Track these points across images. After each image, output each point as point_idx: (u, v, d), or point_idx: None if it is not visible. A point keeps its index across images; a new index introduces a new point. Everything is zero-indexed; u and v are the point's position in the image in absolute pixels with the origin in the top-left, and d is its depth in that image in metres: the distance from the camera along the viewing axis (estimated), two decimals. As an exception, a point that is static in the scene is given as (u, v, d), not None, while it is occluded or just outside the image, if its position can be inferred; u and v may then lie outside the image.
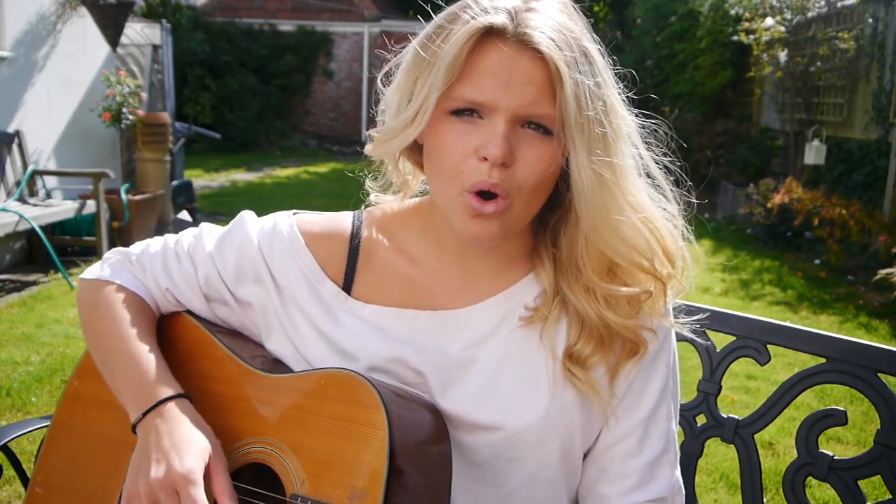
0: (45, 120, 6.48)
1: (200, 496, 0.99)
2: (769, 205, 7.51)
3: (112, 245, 6.28)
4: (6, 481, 2.85)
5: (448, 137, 1.01)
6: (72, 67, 6.79)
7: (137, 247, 1.26)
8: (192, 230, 1.25)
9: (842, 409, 1.38)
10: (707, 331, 1.50)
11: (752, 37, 9.10)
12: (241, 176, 12.23)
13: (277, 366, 1.15)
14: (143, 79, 7.65)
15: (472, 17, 0.98)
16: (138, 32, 7.68)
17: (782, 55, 8.71)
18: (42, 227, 5.58)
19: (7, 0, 6.05)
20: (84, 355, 1.25)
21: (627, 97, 1.08)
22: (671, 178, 1.10)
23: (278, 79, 15.65)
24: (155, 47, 7.88)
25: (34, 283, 5.66)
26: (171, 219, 7.58)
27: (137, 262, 1.23)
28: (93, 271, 1.24)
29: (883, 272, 5.52)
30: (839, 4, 8.20)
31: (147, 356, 1.13)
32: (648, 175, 1.08)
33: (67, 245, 6.31)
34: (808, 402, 3.86)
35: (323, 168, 13.45)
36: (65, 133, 6.77)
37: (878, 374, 1.34)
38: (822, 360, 1.40)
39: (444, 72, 0.98)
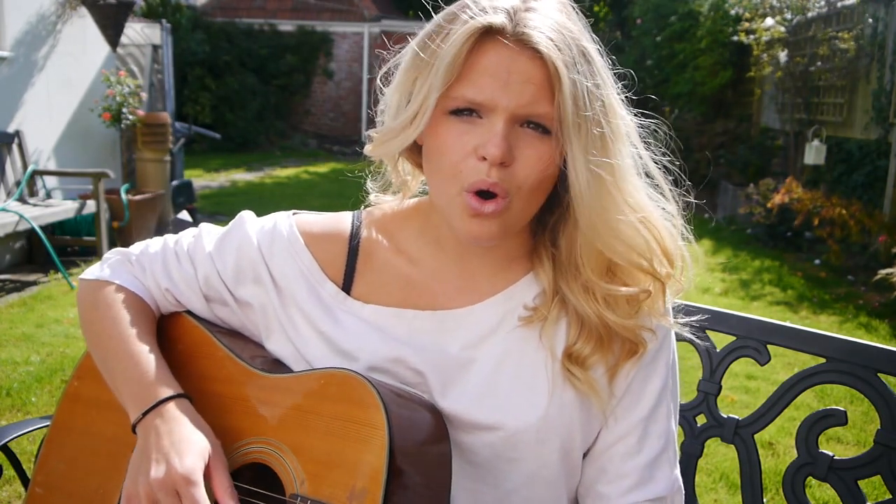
0: (45, 120, 6.48)
1: (202, 495, 0.99)
2: (769, 205, 7.52)
3: (112, 245, 6.28)
4: (6, 481, 2.85)
5: (447, 137, 1.01)
6: (72, 67, 6.80)
7: (137, 247, 1.26)
8: (191, 230, 1.25)
9: (842, 409, 1.38)
10: (707, 331, 1.50)
11: (752, 37, 9.10)
12: (241, 176, 12.23)
13: (277, 366, 1.15)
14: (143, 79, 7.65)
15: (471, 17, 0.98)
16: (138, 32, 7.68)
17: (782, 55, 8.71)
18: (42, 227, 5.58)
19: (7, 0, 6.05)
20: (84, 355, 1.25)
21: (627, 97, 1.08)
22: (670, 178, 1.10)
23: (278, 79, 15.65)
24: (155, 47, 7.88)
25: (34, 283, 5.67)
26: (171, 219, 7.58)
27: (137, 263, 1.23)
28: (92, 272, 1.24)
29: (883, 272, 5.52)
30: (839, 4, 8.20)
31: (147, 356, 1.13)
32: (648, 175, 1.08)
33: (67, 245, 6.31)
34: (808, 402, 3.86)
35: (323, 168, 13.45)
36: (65, 133, 6.77)
37: (878, 374, 1.34)
38: (822, 360, 1.40)
39: (443, 72, 0.98)
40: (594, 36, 1.05)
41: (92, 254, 6.32)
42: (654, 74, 11.92)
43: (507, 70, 0.97)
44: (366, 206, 1.25)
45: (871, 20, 7.61)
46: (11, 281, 5.72)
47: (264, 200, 9.60)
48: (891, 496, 1.31)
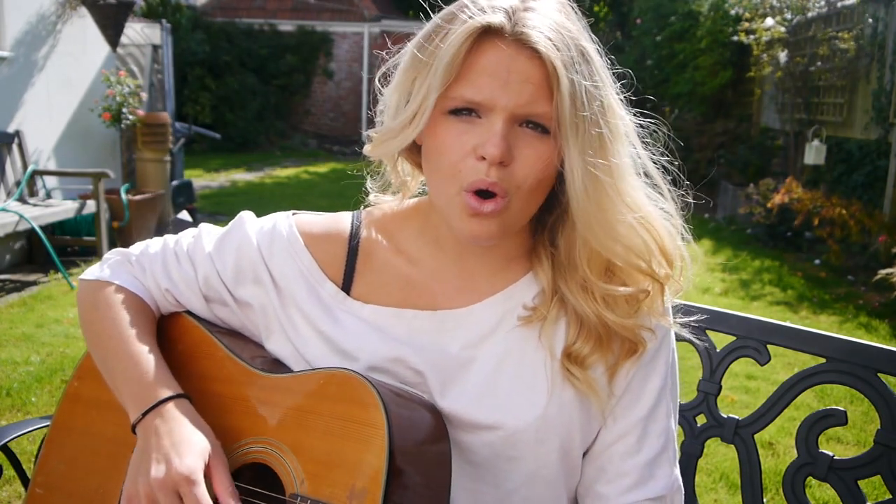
0: (45, 120, 6.48)
1: (204, 494, 0.99)
2: (769, 205, 7.52)
3: (112, 245, 6.28)
4: (6, 481, 2.85)
5: (446, 137, 1.01)
6: (72, 67, 6.80)
7: (137, 247, 1.26)
8: (191, 231, 1.25)
9: (842, 409, 1.38)
10: (707, 331, 1.50)
11: (752, 37, 9.10)
12: (241, 176, 12.23)
13: (277, 366, 1.15)
14: (143, 79, 7.65)
15: (470, 17, 0.98)
16: (138, 32, 7.68)
17: (782, 55, 8.71)
18: (42, 227, 5.58)
19: (7, 0, 6.05)
20: (84, 356, 1.25)
21: (626, 97, 1.08)
22: (669, 178, 1.10)
23: (278, 79, 15.65)
24: (155, 47, 7.88)
25: (34, 283, 5.67)
26: (171, 219, 7.58)
27: (137, 263, 1.23)
28: (92, 272, 1.24)
29: (883, 272, 5.52)
30: (839, 4, 8.20)
31: (147, 356, 1.13)
32: (647, 175, 1.08)
33: (67, 245, 6.31)
34: (808, 402, 3.86)
35: (323, 168, 13.45)
36: (65, 133, 6.77)
37: (878, 374, 1.34)
38: (822, 360, 1.40)
39: (442, 72, 0.98)
40: (593, 36, 1.05)
41: (92, 254, 6.32)
42: (654, 74, 11.92)
43: (506, 70, 0.97)
44: (365, 207, 1.25)
45: (871, 20, 7.61)
46: (11, 281, 5.72)
47: (264, 200, 9.60)
48: (891, 496, 1.31)
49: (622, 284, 1.07)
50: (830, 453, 1.37)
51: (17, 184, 5.99)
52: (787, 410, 1.46)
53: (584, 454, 1.14)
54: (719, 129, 10.73)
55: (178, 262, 1.20)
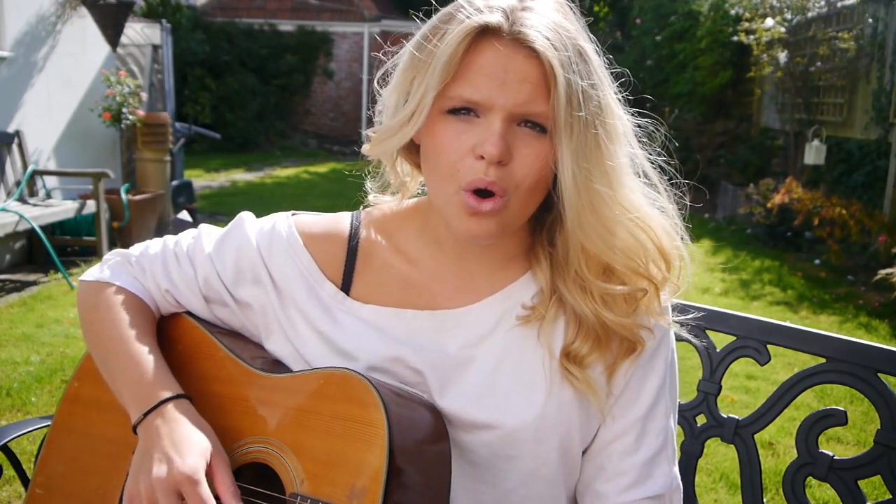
0: (45, 120, 6.48)
1: (206, 494, 0.99)
2: (769, 205, 7.52)
3: (112, 245, 6.28)
4: (6, 481, 2.86)
5: (444, 136, 1.01)
6: (72, 67, 6.80)
7: (137, 248, 1.26)
8: (191, 231, 1.25)
9: (842, 409, 1.38)
10: (707, 331, 1.50)
11: (752, 37, 9.10)
12: (241, 176, 12.23)
13: (277, 366, 1.16)
14: (143, 79, 7.66)
15: (468, 17, 0.98)
16: (138, 32, 7.68)
17: (782, 55, 8.71)
18: (42, 227, 5.58)
19: (7, 0, 6.05)
20: (84, 357, 1.25)
21: (625, 97, 1.07)
22: (666, 178, 1.10)
23: (278, 79, 15.65)
24: (155, 47, 7.88)
25: (34, 283, 5.67)
26: (171, 219, 7.58)
27: (137, 264, 1.23)
28: (92, 273, 1.25)
29: (883, 272, 5.52)
30: (839, 4, 8.20)
31: (147, 357, 1.13)
32: (645, 175, 1.08)
33: (67, 245, 6.31)
34: (808, 402, 3.86)
35: (323, 168, 13.45)
36: (65, 133, 6.77)
37: (878, 374, 1.34)
38: (822, 360, 1.40)
39: (440, 71, 0.98)
40: (592, 35, 1.05)
41: (92, 254, 6.32)
42: (654, 74, 11.92)
43: (504, 69, 0.97)
44: (365, 207, 1.25)
45: (871, 20, 7.61)
46: (11, 281, 5.72)
47: (264, 200, 9.60)
48: (891, 496, 1.31)
49: (621, 283, 1.06)
50: (830, 453, 1.37)
51: (17, 184, 5.99)
52: (787, 410, 1.46)
53: (584, 453, 1.14)
54: (719, 129, 10.73)
55: (178, 263, 1.21)
